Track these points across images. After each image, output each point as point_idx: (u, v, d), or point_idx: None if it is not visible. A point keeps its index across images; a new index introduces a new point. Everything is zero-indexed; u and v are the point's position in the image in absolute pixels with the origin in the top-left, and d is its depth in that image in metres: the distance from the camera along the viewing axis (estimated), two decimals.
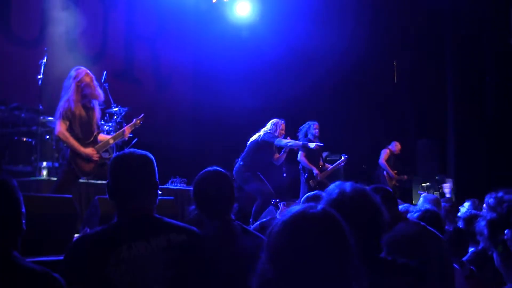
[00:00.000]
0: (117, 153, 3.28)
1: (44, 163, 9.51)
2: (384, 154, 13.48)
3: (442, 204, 7.52)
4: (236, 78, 15.08)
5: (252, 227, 4.87)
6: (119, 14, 13.92)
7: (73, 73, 7.35)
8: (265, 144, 9.69)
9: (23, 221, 2.79)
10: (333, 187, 2.98)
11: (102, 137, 7.67)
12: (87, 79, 7.36)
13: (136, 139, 10.67)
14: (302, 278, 1.94)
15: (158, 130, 13.86)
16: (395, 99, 16.35)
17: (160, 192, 3.30)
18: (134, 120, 8.25)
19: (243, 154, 9.79)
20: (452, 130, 15.33)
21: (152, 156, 3.29)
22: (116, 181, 3.20)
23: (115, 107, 10.54)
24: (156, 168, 3.29)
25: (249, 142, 9.82)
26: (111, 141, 7.75)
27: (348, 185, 2.93)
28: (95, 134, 7.47)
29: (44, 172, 9.38)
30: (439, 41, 15.45)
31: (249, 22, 15.88)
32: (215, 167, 3.96)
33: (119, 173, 3.20)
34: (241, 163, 9.67)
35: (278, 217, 4.39)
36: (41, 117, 9.30)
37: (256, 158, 9.63)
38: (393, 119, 16.24)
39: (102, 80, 10.72)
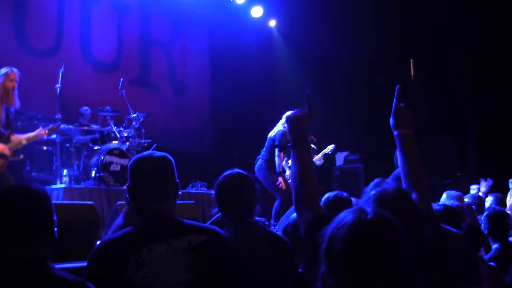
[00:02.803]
0: (137, 155, 3.26)
1: (65, 171, 9.57)
2: None
3: (468, 201, 7.48)
4: (255, 80, 15.10)
5: (279, 229, 4.85)
6: (134, 20, 13.94)
7: (3, 71, 7.41)
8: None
9: (55, 230, 2.81)
10: (373, 186, 2.97)
11: (15, 137, 7.62)
12: (10, 85, 7.39)
13: (155, 144, 10.69)
14: (363, 285, 1.94)
15: (176, 134, 13.90)
16: (412, 97, 16.26)
17: (180, 193, 3.27)
18: (51, 125, 8.29)
19: (263, 151, 9.76)
20: (471, 126, 15.22)
21: (171, 157, 3.26)
22: (136, 183, 3.17)
23: (133, 114, 10.56)
24: (175, 169, 3.26)
25: (268, 138, 9.79)
26: (24, 142, 7.69)
27: (389, 184, 2.92)
28: (6, 135, 7.41)
29: (65, 180, 9.43)
30: (456, 35, 15.34)
31: (264, 24, 15.91)
32: (237, 170, 3.94)
33: (138, 175, 3.17)
34: (262, 160, 9.66)
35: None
36: (60, 126, 9.34)
37: (275, 155, 9.61)
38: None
39: (119, 87, 10.76)
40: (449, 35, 15.30)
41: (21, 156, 7.95)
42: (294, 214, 4.42)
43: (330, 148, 11.16)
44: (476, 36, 14.87)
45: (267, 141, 9.75)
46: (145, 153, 3.28)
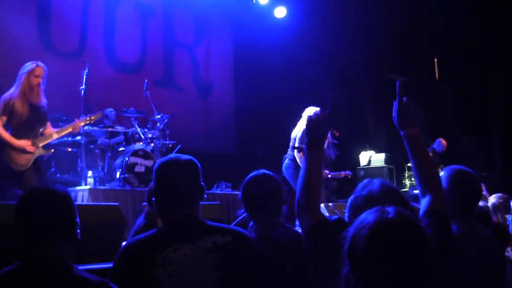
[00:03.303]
0: (162, 159, 3.25)
1: (90, 173, 9.61)
2: None
3: (493, 201, 7.41)
4: (279, 80, 15.07)
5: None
6: (157, 21, 13.97)
7: (27, 65, 7.32)
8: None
9: (78, 231, 2.83)
10: (362, 185, 2.96)
11: (47, 131, 7.58)
12: (34, 81, 7.29)
13: (179, 145, 10.70)
14: (387, 286, 1.94)
15: (201, 135, 13.92)
16: (437, 96, 16.17)
17: (205, 196, 3.26)
18: (89, 115, 8.30)
19: (289, 150, 9.75)
20: (498, 125, 15.12)
21: (197, 161, 3.24)
22: (161, 187, 3.16)
23: (157, 115, 10.58)
24: (201, 173, 3.23)
25: (292, 137, 9.77)
26: (55, 136, 7.66)
27: (376, 183, 2.92)
28: (37, 129, 7.39)
29: (90, 181, 9.46)
30: (481, 32, 15.23)
31: (288, 25, 15.89)
32: (263, 170, 3.94)
33: (164, 180, 3.16)
34: (289, 159, 9.65)
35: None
36: (85, 127, 9.36)
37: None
38: (436, 116, 16.06)
39: (144, 89, 10.79)
40: (474, 33, 15.18)
41: (51, 150, 7.91)
42: None
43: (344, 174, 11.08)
44: (503, 34, 14.74)
45: (291, 141, 9.74)
46: (171, 156, 3.26)
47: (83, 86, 9.22)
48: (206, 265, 2.95)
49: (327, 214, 7.77)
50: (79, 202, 8.57)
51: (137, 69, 13.18)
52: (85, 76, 9.26)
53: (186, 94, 14.36)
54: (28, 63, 7.36)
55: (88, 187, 9.12)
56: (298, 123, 9.75)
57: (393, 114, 3.09)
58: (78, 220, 2.87)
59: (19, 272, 2.65)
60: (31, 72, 7.28)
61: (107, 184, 9.80)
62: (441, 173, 3.73)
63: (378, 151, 14.81)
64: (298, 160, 9.48)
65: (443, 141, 13.20)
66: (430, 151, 12.94)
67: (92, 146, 10.10)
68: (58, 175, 9.82)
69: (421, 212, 2.88)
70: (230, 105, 15.55)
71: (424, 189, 2.97)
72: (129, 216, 8.15)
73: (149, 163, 9.89)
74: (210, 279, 2.93)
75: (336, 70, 15.36)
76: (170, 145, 10.76)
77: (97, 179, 9.74)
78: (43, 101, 7.51)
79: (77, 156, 9.81)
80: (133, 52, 13.25)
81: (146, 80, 10.90)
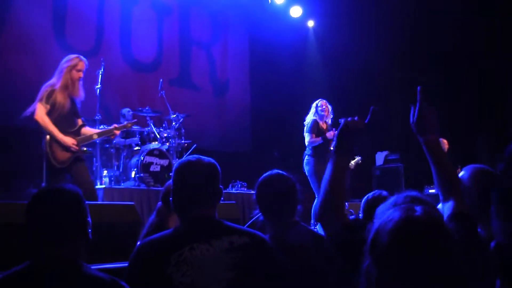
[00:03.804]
0: (183, 159, 3.25)
1: (105, 172, 9.61)
2: None
3: None
4: (294, 79, 15.06)
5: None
6: (173, 20, 13.96)
7: (70, 58, 7.27)
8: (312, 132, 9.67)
9: (89, 230, 2.83)
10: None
11: (87, 130, 7.47)
12: (76, 75, 7.21)
13: (195, 145, 10.68)
14: (408, 282, 1.93)
15: (216, 134, 13.92)
16: (453, 95, 16.08)
17: (222, 198, 3.26)
18: (125, 122, 8.31)
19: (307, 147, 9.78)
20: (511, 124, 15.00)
21: (217, 164, 3.26)
22: (181, 189, 3.18)
23: (173, 114, 10.57)
24: (220, 176, 3.26)
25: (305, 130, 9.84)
26: (95, 137, 7.55)
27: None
28: (78, 125, 7.32)
29: (105, 181, 9.47)
30: (493, 33, 15.12)
31: (303, 24, 15.88)
32: (277, 170, 3.93)
33: (185, 179, 3.18)
34: (308, 155, 9.66)
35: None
36: (100, 126, 9.36)
37: (314, 146, 9.60)
38: (451, 115, 15.97)
39: (159, 88, 10.78)
40: (486, 34, 15.09)
41: (86, 151, 7.87)
42: None
43: (356, 160, 11.02)
44: None
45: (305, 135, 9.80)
46: (192, 158, 3.26)
47: (99, 85, 9.17)
48: (220, 264, 2.95)
49: None
50: (94, 201, 8.58)
51: (153, 68, 13.18)
52: (100, 75, 9.21)
53: (202, 93, 14.35)
54: (70, 57, 7.33)
55: (103, 186, 9.11)
56: (307, 117, 9.81)
57: (411, 119, 3.03)
58: (89, 219, 2.87)
59: (29, 271, 2.66)
60: (73, 66, 7.22)
61: (122, 184, 9.81)
62: (462, 173, 3.67)
63: (393, 150, 14.76)
64: (306, 142, 9.57)
65: (444, 141, 13.03)
66: None
67: (107, 146, 10.10)
68: None
69: (445, 216, 2.83)
70: (245, 104, 15.54)
71: (445, 193, 2.90)
72: (145, 216, 8.15)
73: (164, 162, 9.89)
74: (223, 279, 2.93)
75: (351, 69, 15.31)
76: (186, 144, 10.74)
77: (112, 178, 9.75)
78: (82, 95, 7.45)
79: (92, 155, 9.80)
80: (149, 51, 13.26)
81: (160, 80, 10.90)
